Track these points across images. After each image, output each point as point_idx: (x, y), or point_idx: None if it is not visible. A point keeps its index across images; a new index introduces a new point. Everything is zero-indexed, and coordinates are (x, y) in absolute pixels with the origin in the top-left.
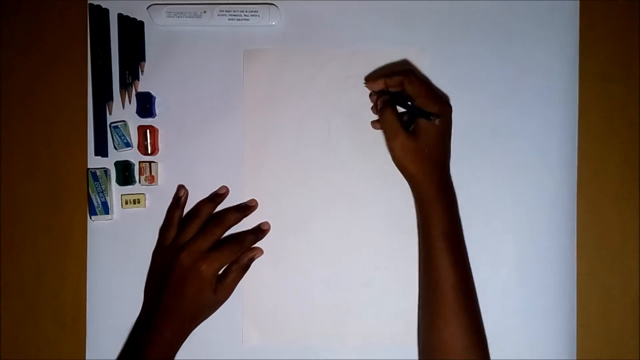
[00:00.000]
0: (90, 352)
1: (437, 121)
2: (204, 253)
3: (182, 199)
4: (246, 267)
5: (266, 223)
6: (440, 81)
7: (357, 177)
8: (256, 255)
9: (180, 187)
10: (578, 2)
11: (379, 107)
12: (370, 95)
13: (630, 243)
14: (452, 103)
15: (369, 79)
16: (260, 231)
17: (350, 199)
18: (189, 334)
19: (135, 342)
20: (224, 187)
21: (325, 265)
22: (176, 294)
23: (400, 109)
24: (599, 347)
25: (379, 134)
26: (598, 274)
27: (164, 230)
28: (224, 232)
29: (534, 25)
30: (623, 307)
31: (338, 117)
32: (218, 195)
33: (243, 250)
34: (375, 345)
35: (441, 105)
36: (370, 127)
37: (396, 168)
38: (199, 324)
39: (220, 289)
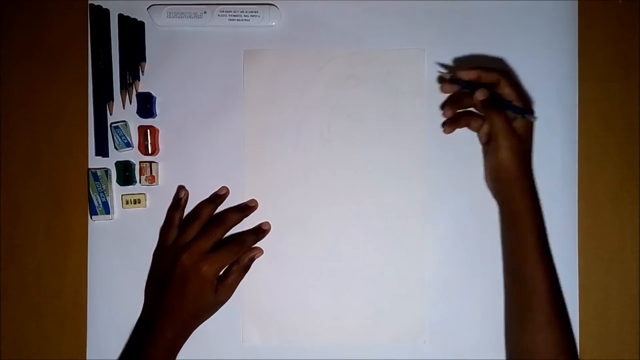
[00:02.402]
0: (90, 352)
1: (532, 119)
2: (205, 254)
3: (183, 200)
4: (247, 268)
5: (267, 223)
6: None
7: (357, 177)
8: (256, 255)
9: (180, 188)
10: (577, 3)
11: (485, 109)
12: (444, 86)
13: (630, 243)
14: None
15: (462, 68)
16: (260, 231)
17: (350, 199)
18: (190, 334)
19: (137, 343)
20: (224, 187)
21: (325, 265)
22: (177, 295)
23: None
24: (600, 346)
25: (378, 134)
26: (598, 274)
27: (164, 231)
28: (225, 233)
29: (533, 26)
30: (623, 307)
31: (338, 117)
32: (218, 196)
33: (244, 250)
34: (375, 345)
35: (529, 103)
36: (370, 127)
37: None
38: (200, 324)
39: (221, 290)
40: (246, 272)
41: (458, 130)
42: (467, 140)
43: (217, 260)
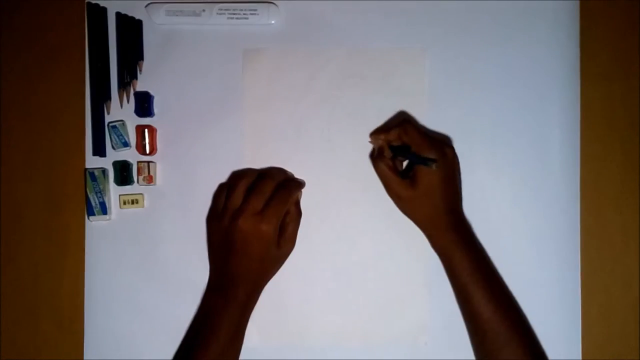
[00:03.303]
0: (88, 353)
1: (434, 166)
2: (260, 213)
3: (248, 175)
4: (299, 214)
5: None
6: (440, 82)
7: (357, 177)
8: (298, 196)
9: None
10: (578, 2)
11: (372, 159)
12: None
13: (632, 243)
14: (452, 103)
15: (372, 136)
16: (295, 179)
17: (349, 199)
18: (260, 293)
19: (209, 308)
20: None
21: (325, 265)
22: (243, 258)
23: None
24: (604, 347)
25: None
26: (600, 274)
27: (217, 196)
28: (273, 188)
29: (534, 26)
30: (626, 308)
31: (337, 116)
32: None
33: (292, 195)
34: (375, 345)
35: (439, 149)
36: (370, 126)
37: None
38: (270, 279)
39: (283, 243)
40: (300, 218)
41: (457, 131)
42: (467, 140)
43: (273, 216)
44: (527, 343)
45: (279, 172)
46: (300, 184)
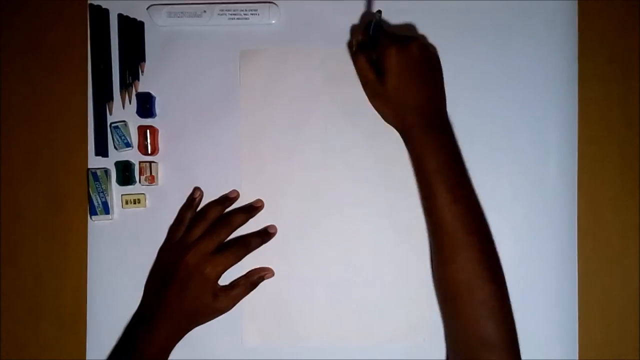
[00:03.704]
0: (90, 352)
1: (377, 16)
2: (209, 255)
3: (196, 200)
4: (254, 285)
5: (273, 226)
6: None
7: (356, 177)
8: (266, 276)
9: (196, 189)
10: (576, 3)
11: (352, 54)
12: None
13: (630, 243)
14: (450, 103)
15: (352, 34)
16: (266, 234)
17: (348, 198)
18: (184, 335)
19: (131, 338)
20: (235, 191)
21: (325, 264)
22: (177, 293)
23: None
24: (600, 347)
25: (377, 133)
26: (598, 274)
27: (173, 228)
28: (230, 234)
29: (532, 26)
30: (623, 308)
31: (336, 116)
32: (228, 199)
33: (248, 252)
34: (374, 343)
35: (404, 42)
36: (368, 126)
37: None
38: (194, 327)
39: (222, 298)
40: (253, 288)
41: (457, 131)
42: (465, 140)
43: (220, 262)
44: (484, 250)
45: (240, 216)
46: (260, 242)
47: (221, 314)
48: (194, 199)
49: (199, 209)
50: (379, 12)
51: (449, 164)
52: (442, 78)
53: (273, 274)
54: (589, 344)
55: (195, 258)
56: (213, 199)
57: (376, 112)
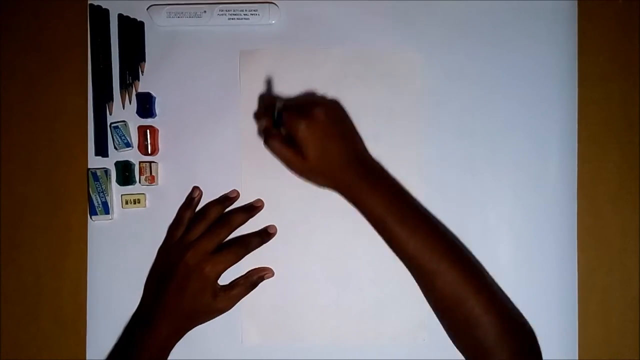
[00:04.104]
0: (90, 352)
1: (279, 105)
2: (209, 254)
3: (195, 199)
4: (254, 285)
5: (273, 227)
6: (438, 81)
7: None
8: (266, 276)
9: (195, 189)
10: (576, 3)
11: (265, 142)
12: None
13: (630, 243)
14: (450, 103)
15: (257, 121)
16: (266, 234)
17: None
18: (183, 334)
19: (131, 337)
20: (235, 191)
21: (324, 264)
22: (177, 292)
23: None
24: (600, 347)
25: (376, 134)
26: (598, 274)
27: (172, 228)
28: (230, 234)
29: (532, 26)
30: (623, 307)
31: None
32: (228, 199)
33: (248, 252)
34: (374, 343)
35: (307, 112)
36: (368, 127)
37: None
38: (194, 326)
39: (221, 297)
40: (252, 288)
41: (455, 131)
42: (464, 140)
43: (220, 262)
44: (457, 268)
45: (240, 216)
46: (260, 242)
47: (221, 313)
48: (193, 198)
49: (198, 208)
50: (282, 100)
51: (394, 204)
52: (353, 127)
53: (273, 274)
54: (589, 343)
55: (195, 257)
56: (213, 198)
57: (379, 113)
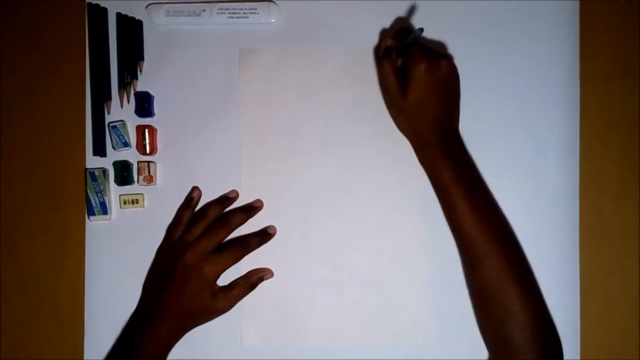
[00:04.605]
0: (88, 352)
1: (417, 32)
2: (208, 254)
3: (195, 199)
4: (253, 285)
5: (272, 227)
6: None
7: (355, 176)
8: (266, 276)
9: (194, 189)
10: (578, 2)
11: (377, 60)
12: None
13: (631, 243)
14: None
15: (385, 36)
16: (266, 234)
17: (348, 198)
18: (183, 334)
19: (129, 338)
20: (234, 191)
21: (324, 264)
22: (176, 292)
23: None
24: (602, 347)
25: (376, 133)
26: (599, 274)
27: (172, 228)
28: (229, 234)
29: (534, 26)
30: (624, 307)
31: (335, 116)
32: (227, 199)
33: (248, 252)
34: (375, 343)
35: (434, 57)
36: (369, 126)
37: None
38: (194, 327)
39: (221, 298)
40: (252, 289)
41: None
42: (465, 140)
43: (219, 262)
44: (507, 256)
45: (239, 216)
46: (259, 242)
47: (220, 314)
48: (192, 198)
49: (197, 208)
50: (421, 29)
51: (465, 176)
52: (459, 97)
53: (272, 275)
54: (591, 343)
55: (194, 257)
56: (212, 198)
57: (379, 113)
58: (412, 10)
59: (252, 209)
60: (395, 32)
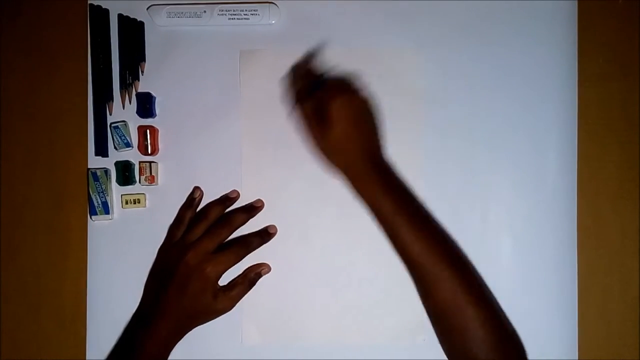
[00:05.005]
0: (90, 352)
1: (324, 74)
2: (210, 254)
3: (196, 199)
4: (253, 282)
5: (273, 226)
6: (437, 81)
7: None
8: (263, 271)
9: (196, 189)
10: (576, 3)
11: (297, 106)
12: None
13: (630, 243)
14: (450, 104)
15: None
16: (266, 234)
17: (348, 198)
18: (184, 334)
19: (131, 337)
20: (235, 191)
21: (324, 264)
22: (177, 292)
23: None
24: (600, 347)
25: None
26: (598, 274)
27: (173, 228)
28: (231, 234)
29: (532, 26)
30: (623, 307)
31: None
32: (228, 199)
33: (249, 252)
34: (374, 343)
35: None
36: None
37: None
38: (195, 326)
39: (221, 298)
40: (252, 286)
41: (455, 131)
42: (464, 140)
43: (221, 262)
44: (459, 276)
45: (241, 216)
46: (260, 242)
47: (221, 314)
48: (194, 198)
49: (199, 208)
50: (326, 69)
51: (405, 204)
52: (379, 124)
53: (270, 269)
54: (589, 343)
55: (196, 258)
56: (213, 198)
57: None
58: (315, 52)
59: (253, 209)
60: (304, 72)
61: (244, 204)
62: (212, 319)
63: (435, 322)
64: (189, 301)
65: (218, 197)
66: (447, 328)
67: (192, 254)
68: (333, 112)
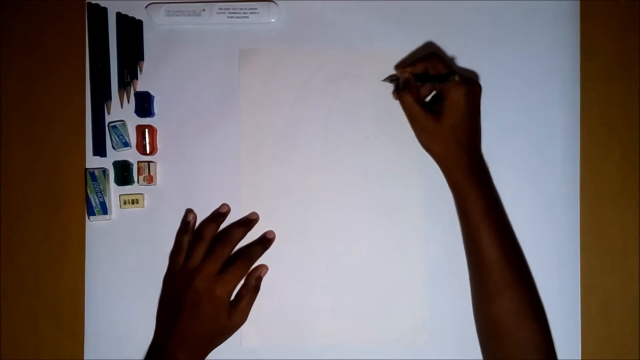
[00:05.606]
0: (88, 353)
1: (456, 77)
2: (217, 276)
3: (191, 223)
4: (257, 288)
5: (271, 232)
6: None
7: (355, 176)
8: (262, 273)
9: (189, 212)
10: (578, 2)
11: (397, 92)
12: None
13: (631, 243)
14: None
15: (398, 69)
16: (266, 241)
17: (347, 199)
18: (204, 359)
19: None
20: (225, 205)
21: (324, 265)
22: (191, 319)
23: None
24: (603, 347)
25: (376, 133)
26: (600, 274)
27: (174, 255)
28: (232, 251)
29: (534, 26)
30: (625, 307)
31: (335, 115)
32: (220, 215)
33: (253, 263)
34: (374, 344)
35: (466, 83)
36: (368, 126)
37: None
38: (213, 349)
39: (234, 315)
40: (257, 292)
41: None
42: None
43: (229, 281)
44: (528, 288)
45: (239, 231)
46: (262, 250)
47: (236, 330)
48: (189, 222)
49: (189, 205)
50: (455, 75)
51: (493, 206)
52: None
53: (267, 269)
54: (592, 343)
55: (204, 282)
56: (213, 198)
57: (379, 113)
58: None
59: (249, 222)
60: (412, 63)
61: (239, 219)
62: (229, 337)
63: (493, 332)
64: (206, 326)
65: (209, 214)
66: (506, 340)
67: (199, 279)
68: (453, 100)
